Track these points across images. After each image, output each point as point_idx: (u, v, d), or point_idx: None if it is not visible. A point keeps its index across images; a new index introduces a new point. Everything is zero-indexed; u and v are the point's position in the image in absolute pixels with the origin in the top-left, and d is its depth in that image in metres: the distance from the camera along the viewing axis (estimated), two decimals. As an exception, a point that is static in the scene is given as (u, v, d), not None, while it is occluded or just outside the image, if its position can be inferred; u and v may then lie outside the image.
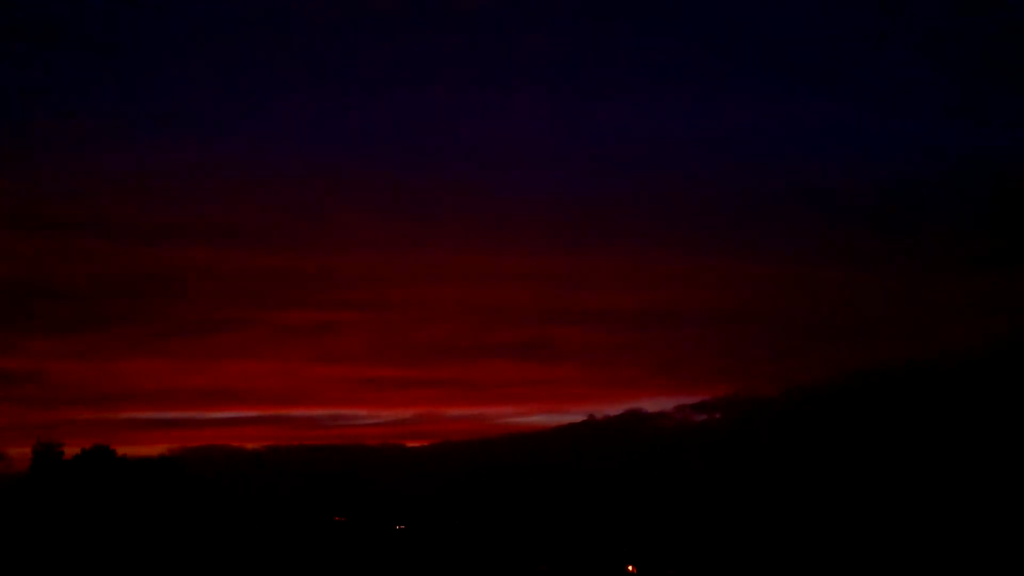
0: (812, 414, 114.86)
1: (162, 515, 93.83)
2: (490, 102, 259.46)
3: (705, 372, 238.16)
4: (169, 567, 75.97)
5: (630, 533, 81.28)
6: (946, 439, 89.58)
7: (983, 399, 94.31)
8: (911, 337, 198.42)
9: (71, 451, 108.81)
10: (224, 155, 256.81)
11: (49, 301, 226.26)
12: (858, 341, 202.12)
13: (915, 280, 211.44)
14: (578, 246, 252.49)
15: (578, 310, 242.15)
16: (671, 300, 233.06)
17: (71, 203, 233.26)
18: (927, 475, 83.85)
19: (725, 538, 76.33)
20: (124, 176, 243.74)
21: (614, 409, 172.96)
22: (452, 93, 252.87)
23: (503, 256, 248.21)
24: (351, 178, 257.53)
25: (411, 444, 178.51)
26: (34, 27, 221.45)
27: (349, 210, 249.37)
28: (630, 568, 73.39)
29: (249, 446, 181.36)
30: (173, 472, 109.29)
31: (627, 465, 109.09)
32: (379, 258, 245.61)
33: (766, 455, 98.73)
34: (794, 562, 70.24)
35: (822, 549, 71.31)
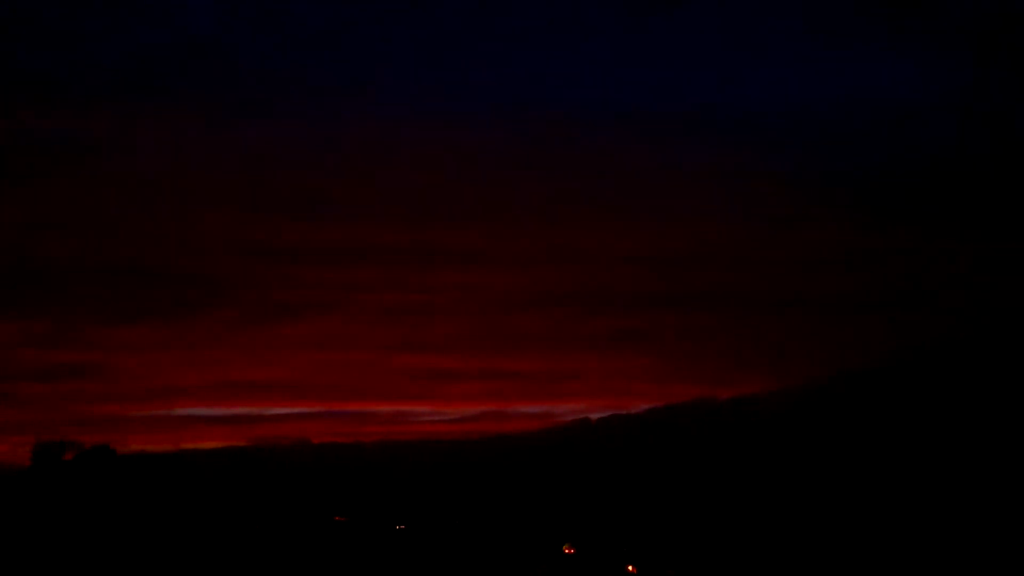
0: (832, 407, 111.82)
1: (161, 514, 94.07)
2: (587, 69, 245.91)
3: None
4: (166, 566, 75.83)
5: (630, 533, 79.94)
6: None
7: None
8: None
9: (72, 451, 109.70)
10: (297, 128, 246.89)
11: (107, 286, 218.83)
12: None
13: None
14: (682, 220, 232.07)
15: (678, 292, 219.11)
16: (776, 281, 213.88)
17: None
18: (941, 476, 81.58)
19: (725, 538, 74.69)
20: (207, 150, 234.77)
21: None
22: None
23: (606, 233, 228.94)
24: (441, 148, 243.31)
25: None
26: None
27: (438, 183, 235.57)
28: (630, 568, 72.19)
29: (315, 441, 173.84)
30: (174, 471, 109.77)
31: (625, 464, 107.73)
32: (468, 235, 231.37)
33: (771, 452, 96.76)
34: (800, 562, 68.35)
35: (832, 548, 69.45)
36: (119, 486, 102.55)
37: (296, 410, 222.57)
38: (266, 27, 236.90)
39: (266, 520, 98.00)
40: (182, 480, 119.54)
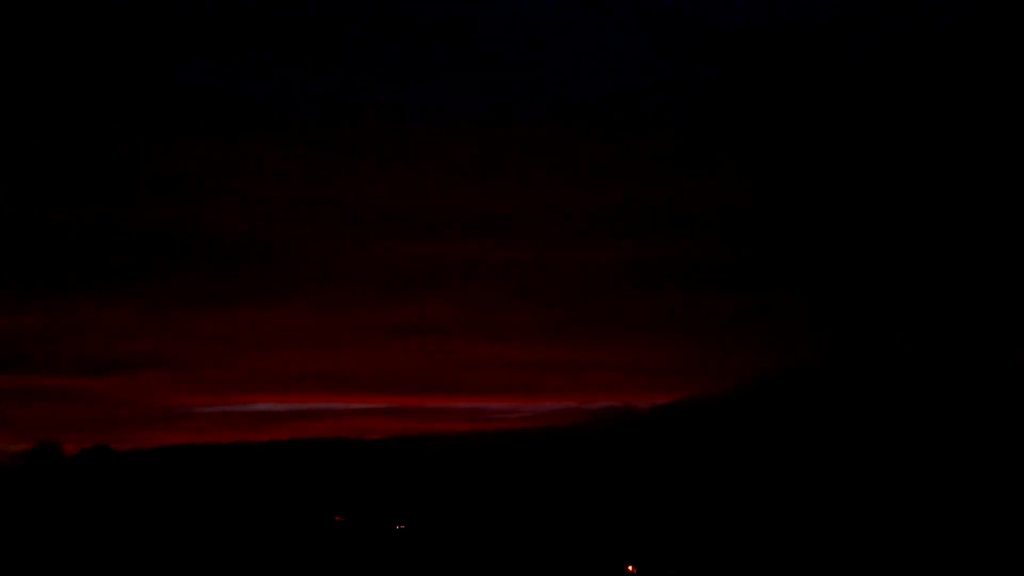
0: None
1: (157, 513, 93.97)
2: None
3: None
4: (161, 565, 75.72)
5: (630, 533, 79.65)
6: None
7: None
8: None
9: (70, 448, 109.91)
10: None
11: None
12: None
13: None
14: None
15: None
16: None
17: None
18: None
19: (726, 537, 74.35)
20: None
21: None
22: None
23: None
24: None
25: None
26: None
27: (529, 151, 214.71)
28: (630, 568, 71.95)
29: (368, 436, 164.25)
30: (174, 469, 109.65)
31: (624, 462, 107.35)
32: (563, 200, 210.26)
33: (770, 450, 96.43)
34: (801, 562, 67.97)
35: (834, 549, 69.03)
36: (117, 484, 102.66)
37: (360, 405, 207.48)
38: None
39: (277, 517, 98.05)
40: (182, 479, 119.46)
